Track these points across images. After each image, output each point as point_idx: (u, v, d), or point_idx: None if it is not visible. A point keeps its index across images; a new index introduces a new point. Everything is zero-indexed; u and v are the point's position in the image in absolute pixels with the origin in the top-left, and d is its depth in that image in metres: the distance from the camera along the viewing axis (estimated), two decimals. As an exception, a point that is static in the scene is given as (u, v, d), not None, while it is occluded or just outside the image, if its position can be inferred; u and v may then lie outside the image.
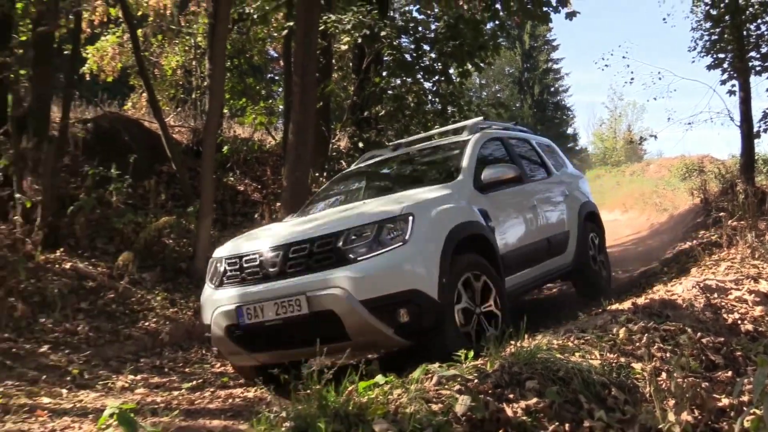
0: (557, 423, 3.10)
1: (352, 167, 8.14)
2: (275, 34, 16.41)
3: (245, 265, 5.25)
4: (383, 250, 4.80)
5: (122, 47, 16.20)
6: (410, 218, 4.90)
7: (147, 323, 7.79)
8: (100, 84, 17.43)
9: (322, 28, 11.93)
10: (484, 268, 5.33)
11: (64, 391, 5.70)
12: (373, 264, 4.76)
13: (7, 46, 9.45)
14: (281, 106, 16.21)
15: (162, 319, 7.94)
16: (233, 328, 5.14)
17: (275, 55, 19.88)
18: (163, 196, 11.13)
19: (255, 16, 15.38)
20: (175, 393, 5.79)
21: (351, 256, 4.83)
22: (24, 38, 10.50)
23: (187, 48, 18.20)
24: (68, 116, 10.57)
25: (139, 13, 16.29)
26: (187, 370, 6.83)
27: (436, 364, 3.43)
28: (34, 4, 9.70)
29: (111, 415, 2.52)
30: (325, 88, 13.50)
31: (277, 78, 22.99)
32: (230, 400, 5.51)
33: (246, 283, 5.22)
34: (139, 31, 14.96)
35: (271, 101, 17.60)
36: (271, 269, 5.09)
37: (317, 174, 12.32)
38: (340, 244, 4.87)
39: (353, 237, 4.89)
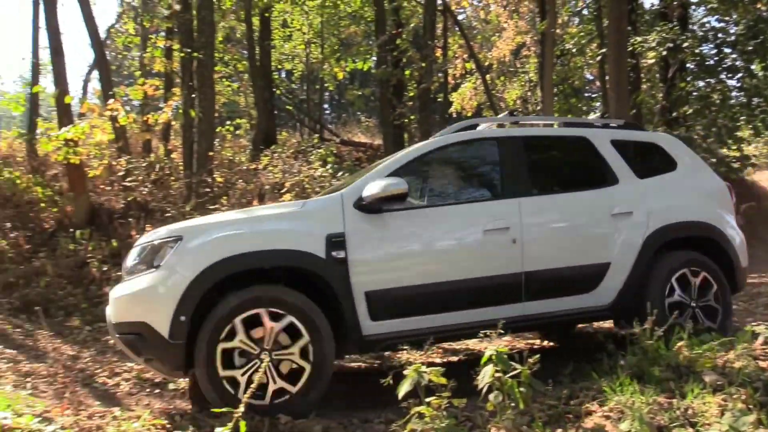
0: None
1: None
2: (590, 62, 15.64)
3: None
4: (139, 274, 3.46)
5: (476, 90, 16.81)
6: (178, 242, 3.42)
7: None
8: (463, 119, 18.37)
9: (630, 49, 11.01)
10: (290, 307, 3.35)
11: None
12: (125, 287, 3.51)
13: (401, 100, 10.46)
14: (599, 118, 15.37)
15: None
16: None
17: (591, 77, 19.00)
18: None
19: (573, 50, 14.92)
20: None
21: (126, 273, 3.62)
22: (411, 94, 11.52)
23: (522, 83, 18.26)
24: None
25: (486, 63, 16.78)
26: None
27: (762, 326, 2.92)
28: (417, 70, 10.61)
29: (489, 357, 2.59)
30: (636, 98, 12.51)
31: (594, 96, 21.84)
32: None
33: None
34: (488, 77, 15.37)
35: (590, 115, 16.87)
36: None
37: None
38: (132, 258, 3.61)
39: (138, 253, 3.58)
